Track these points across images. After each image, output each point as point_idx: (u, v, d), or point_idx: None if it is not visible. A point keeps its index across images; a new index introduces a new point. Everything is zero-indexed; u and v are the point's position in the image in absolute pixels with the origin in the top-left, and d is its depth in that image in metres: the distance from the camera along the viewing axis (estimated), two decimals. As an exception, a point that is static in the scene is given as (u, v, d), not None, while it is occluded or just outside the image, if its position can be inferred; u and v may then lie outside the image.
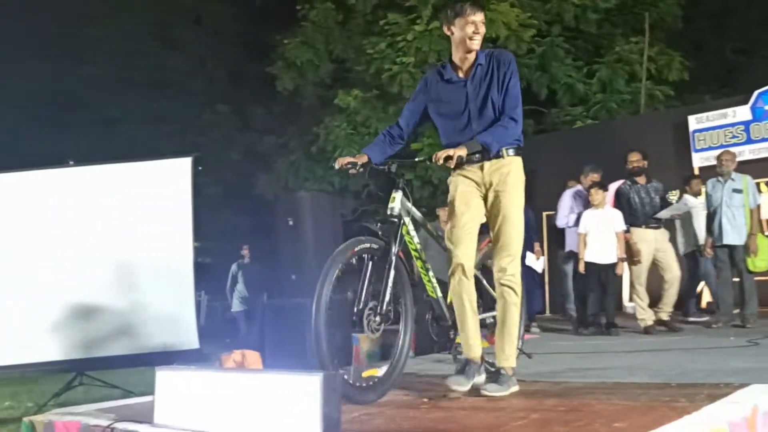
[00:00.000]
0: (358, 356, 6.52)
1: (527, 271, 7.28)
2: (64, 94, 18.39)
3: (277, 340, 6.50)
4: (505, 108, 3.18)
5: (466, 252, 3.18)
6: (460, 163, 3.17)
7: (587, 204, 6.67)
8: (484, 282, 3.64)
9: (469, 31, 3.12)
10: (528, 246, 7.29)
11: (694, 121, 8.75)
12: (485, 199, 3.23)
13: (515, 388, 3.14)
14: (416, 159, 3.37)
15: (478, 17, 3.13)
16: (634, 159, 6.48)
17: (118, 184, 6.15)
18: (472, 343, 3.21)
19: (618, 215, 6.44)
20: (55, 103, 18.39)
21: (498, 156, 3.18)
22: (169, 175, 6.28)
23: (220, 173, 17.54)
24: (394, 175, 3.25)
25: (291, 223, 6.80)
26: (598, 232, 6.41)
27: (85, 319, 5.83)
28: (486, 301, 3.62)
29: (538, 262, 7.37)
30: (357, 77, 13.64)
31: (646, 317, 6.29)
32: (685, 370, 3.68)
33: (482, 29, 3.15)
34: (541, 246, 7.55)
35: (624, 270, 6.59)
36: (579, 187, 7.20)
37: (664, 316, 6.34)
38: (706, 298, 7.79)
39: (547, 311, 9.06)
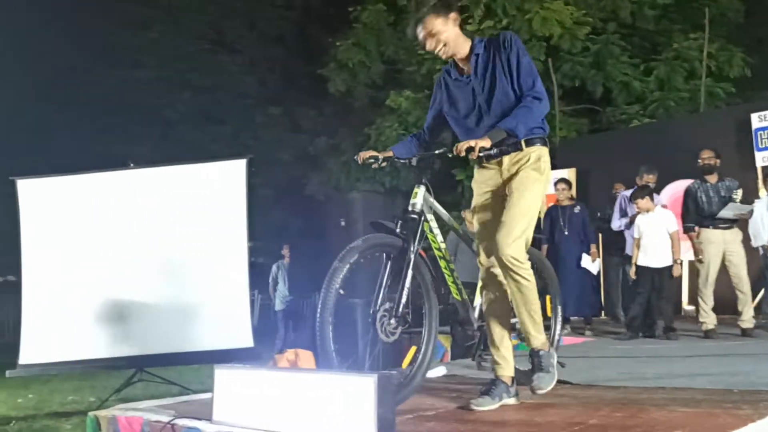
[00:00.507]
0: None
1: (583, 274, 7.17)
2: (122, 98, 18.93)
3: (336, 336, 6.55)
4: (522, 88, 2.91)
5: (489, 253, 3.02)
6: (486, 157, 2.96)
7: None
8: None
9: (428, 48, 2.99)
10: (584, 247, 7.19)
11: (756, 119, 8.46)
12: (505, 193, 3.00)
13: (555, 360, 3.01)
14: (436, 152, 3.09)
15: (420, 34, 2.97)
16: (706, 156, 6.28)
17: (176, 186, 6.32)
18: (502, 362, 3.05)
19: (670, 216, 6.32)
20: (114, 107, 18.93)
21: (516, 149, 2.94)
22: (224, 176, 6.41)
23: (271, 174, 17.81)
24: (416, 169, 3.08)
25: (343, 223, 6.86)
26: (650, 235, 6.29)
27: (144, 318, 6.01)
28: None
29: (593, 264, 7.25)
30: (408, 78, 13.65)
31: (708, 321, 6.12)
32: (749, 376, 3.57)
33: (430, 44, 2.97)
34: (597, 248, 7.42)
35: (680, 272, 6.41)
36: (627, 191, 7.08)
37: (745, 325, 6.08)
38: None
39: (602, 314, 8.88)
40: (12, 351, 6.22)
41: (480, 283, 3.14)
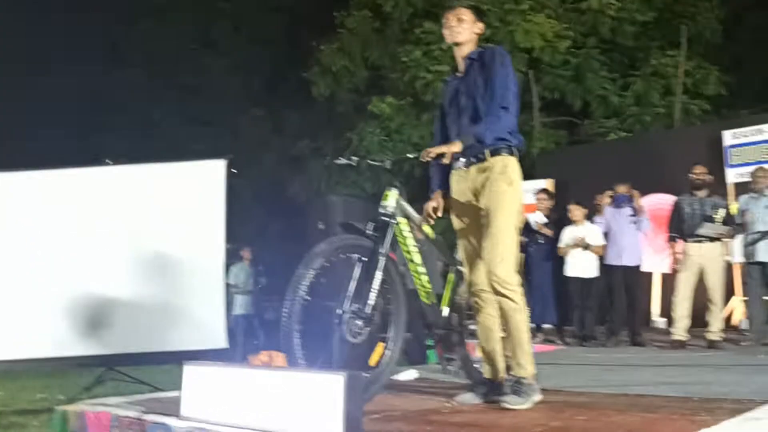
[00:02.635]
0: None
1: (555, 283, 7.29)
2: (105, 95, 18.83)
3: (305, 343, 6.56)
4: (494, 96, 3.02)
5: (478, 273, 3.11)
6: (456, 160, 3.07)
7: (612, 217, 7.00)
8: None
9: (444, 24, 3.17)
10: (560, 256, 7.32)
11: (729, 137, 8.63)
12: (479, 205, 3.08)
13: (537, 397, 3.00)
14: (409, 155, 3.19)
15: (451, 12, 3.14)
16: (698, 172, 6.46)
17: (153, 185, 6.28)
18: (489, 365, 3.16)
19: (596, 231, 6.85)
20: (97, 105, 18.81)
21: (481, 159, 3.04)
22: (203, 176, 6.39)
23: (253, 176, 17.76)
24: (389, 172, 3.16)
25: (322, 227, 6.86)
26: (578, 249, 6.84)
27: (116, 316, 5.95)
28: None
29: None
30: (391, 84, 13.72)
31: (675, 332, 6.24)
32: (709, 386, 3.66)
33: (453, 23, 3.13)
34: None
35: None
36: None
37: (712, 337, 6.20)
38: (738, 315, 7.67)
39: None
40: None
41: (469, 292, 3.20)
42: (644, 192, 7.05)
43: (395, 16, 13.49)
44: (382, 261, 2.96)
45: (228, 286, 10.65)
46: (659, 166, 8.55)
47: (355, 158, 3.27)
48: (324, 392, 2.38)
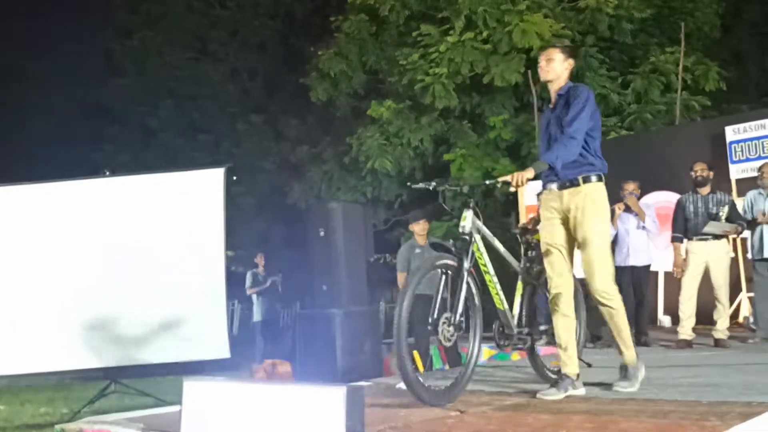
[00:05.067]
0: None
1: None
2: (102, 106, 18.84)
3: (308, 350, 6.54)
4: (566, 128, 3.49)
5: (561, 280, 3.58)
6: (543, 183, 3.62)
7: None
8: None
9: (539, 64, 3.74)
10: None
11: (731, 132, 8.57)
12: (568, 223, 3.56)
13: (641, 373, 3.61)
14: (486, 182, 3.70)
15: (542, 53, 3.73)
16: (698, 169, 6.36)
17: (152, 194, 6.27)
18: (568, 361, 3.56)
19: None
20: (94, 115, 18.83)
21: (574, 184, 3.50)
22: (202, 185, 6.37)
23: (254, 183, 17.74)
24: (466, 196, 3.56)
25: (322, 233, 6.82)
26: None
27: (119, 328, 5.93)
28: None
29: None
30: (390, 88, 13.68)
31: (682, 331, 6.17)
32: (718, 387, 3.61)
33: (543, 63, 3.67)
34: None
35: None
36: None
37: (718, 335, 6.12)
38: (744, 312, 7.61)
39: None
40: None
41: (551, 296, 3.64)
42: (648, 190, 6.97)
43: (392, 19, 13.44)
44: (466, 275, 3.38)
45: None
46: (662, 164, 8.50)
47: (433, 183, 3.67)
48: (325, 406, 2.34)
